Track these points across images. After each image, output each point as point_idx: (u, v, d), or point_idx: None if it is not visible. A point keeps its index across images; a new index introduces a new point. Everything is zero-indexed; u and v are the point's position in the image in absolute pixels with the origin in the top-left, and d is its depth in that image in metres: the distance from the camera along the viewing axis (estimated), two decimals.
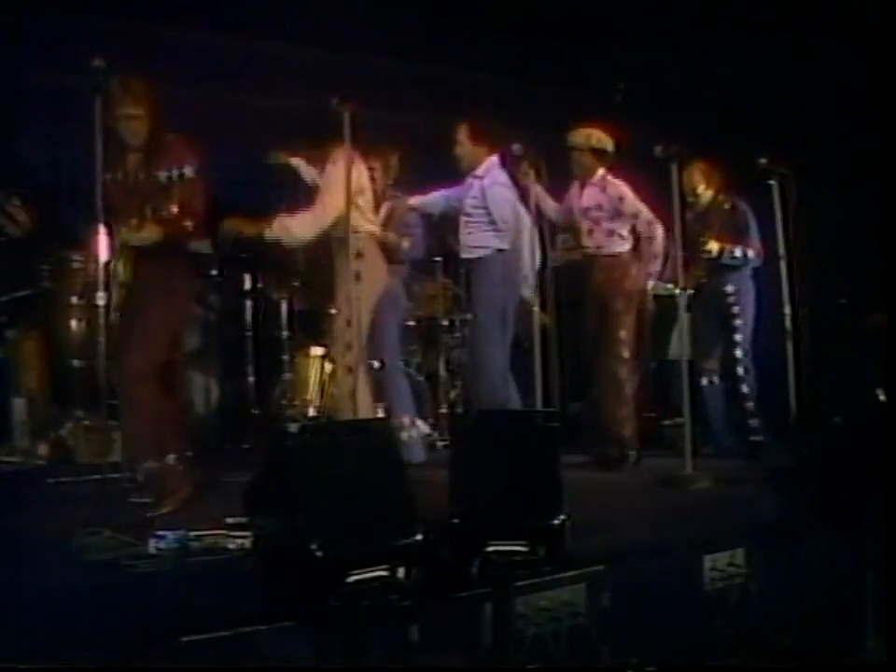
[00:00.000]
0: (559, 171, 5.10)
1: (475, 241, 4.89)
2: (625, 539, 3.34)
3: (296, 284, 6.09)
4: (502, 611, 2.66)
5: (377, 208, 4.93)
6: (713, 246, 5.21)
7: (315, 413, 5.57)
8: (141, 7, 5.67)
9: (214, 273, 5.98)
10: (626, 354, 5.04)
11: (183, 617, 2.36)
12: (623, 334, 5.01)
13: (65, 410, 5.18)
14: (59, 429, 5.10)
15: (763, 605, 3.28)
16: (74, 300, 5.28)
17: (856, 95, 6.09)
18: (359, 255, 4.38)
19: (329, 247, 4.74)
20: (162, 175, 3.54)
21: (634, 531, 3.47)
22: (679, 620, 3.10)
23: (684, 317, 4.67)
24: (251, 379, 6.11)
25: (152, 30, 5.79)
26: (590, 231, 5.10)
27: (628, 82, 7.12)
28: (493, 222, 4.84)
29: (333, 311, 4.80)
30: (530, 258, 4.84)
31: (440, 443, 5.57)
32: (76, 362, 5.24)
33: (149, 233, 3.61)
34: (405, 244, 5.14)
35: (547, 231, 5.21)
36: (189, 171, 3.53)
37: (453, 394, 6.11)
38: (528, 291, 4.91)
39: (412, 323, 5.91)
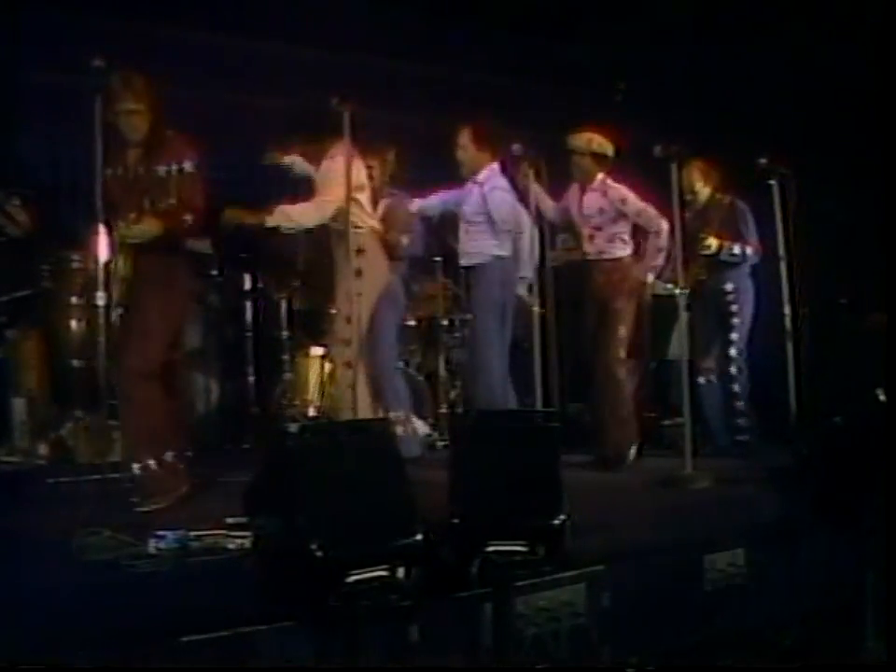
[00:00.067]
0: (559, 171, 5.10)
1: (475, 248, 4.94)
2: (625, 539, 3.34)
3: (296, 284, 6.09)
4: (502, 611, 2.66)
5: (375, 205, 4.95)
6: (712, 242, 5.22)
7: (314, 413, 5.58)
8: (141, 6, 5.67)
9: (214, 272, 5.98)
10: (626, 354, 5.05)
11: (183, 617, 2.36)
12: (622, 334, 5.02)
13: (65, 410, 5.18)
14: (59, 429, 5.09)
15: (762, 605, 3.28)
16: (74, 300, 5.27)
17: (856, 95, 6.09)
18: (361, 251, 4.40)
19: (328, 245, 4.75)
20: (161, 169, 3.55)
21: (634, 531, 3.47)
22: (678, 620, 3.10)
23: (684, 317, 4.67)
24: (251, 379, 6.11)
25: (152, 30, 5.79)
26: (591, 237, 5.09)
27: (628, 82, 7.11)
28: (493, 228, 4.87)
29: (333, 311, 4.82)
30: (529, 260, 4.85)
31: (440, 443, 5.57)
32: (76, 362, 5.23)
33: (148, 226, 3.61)
34: (405, 240, 5.16)
35: (547, 231, 5.23)
36: (188, 165, 3.53)
37: (453, 394, 6.11)
38: (527, 292, 4.93)
39: (412, 323, 5.91)
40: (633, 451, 5.03)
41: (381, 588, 2.41)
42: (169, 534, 3.06)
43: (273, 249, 5.83)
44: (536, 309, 4.66)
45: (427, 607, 2.50)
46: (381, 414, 4.57)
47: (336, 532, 2.39)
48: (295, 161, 4.93)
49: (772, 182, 4.75)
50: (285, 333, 6.08)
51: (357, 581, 2.37)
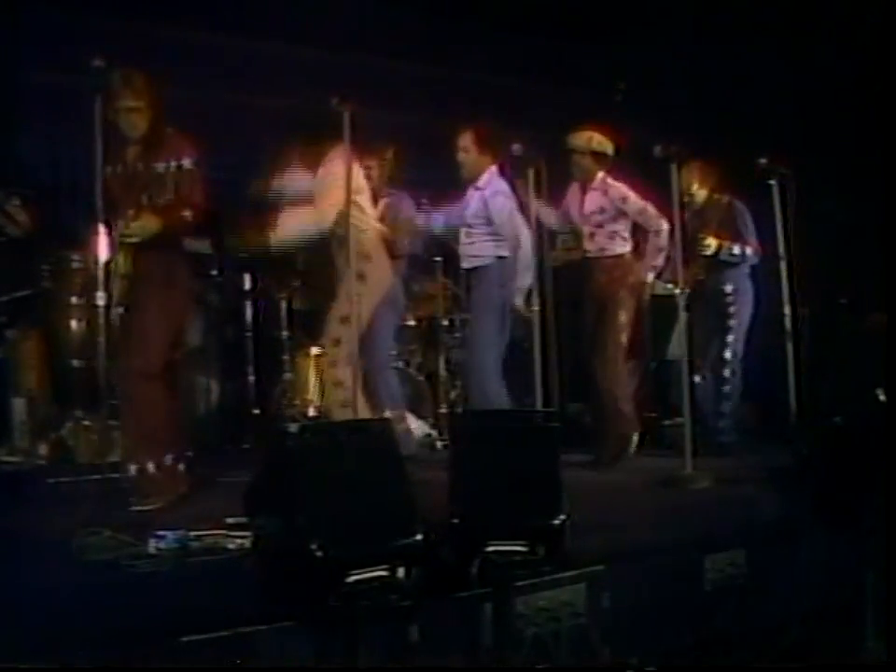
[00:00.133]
0: (559, 171, 5.10)
1: (476, 250, 4.96)
2: (625, 539, 3.34)
3: (296, 284, 6.09)
4: (502, 611, 2.66)
5: (374, 205, 4.95)
6: (711, 242, 5.22)
7: (315, 413, 5.58)
8: (141, 6, 5.67)
9: (214, 272, 5.98)
10: (626, 353, 5.05)
11: (183, 617, 2.36)
12: (622, 334, 5.02)
13: (65, 410, 5.18)
14: (59, 429, 5.09)
15: (763, 605, 3.28)
16: (74, 300, 5.28)
17: (856, 95, 6.09)
18: (367, 256, 4.41)
19: (329, 246, 4.74)
20: (160, 165, 3.55)
21: (634, 531, 3.47)
22: (678, 620, 3.10)
23: (683, 317, 4.67)
24: (251, 379, 6.11)
25: (152, 30, 5.79)
26: (592, 235, 5.10)
27: (628, 82, 7.11)
28: (494, 231, 4.88)
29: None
30: (527, 270, 4.85)
31: (439, 443, 5.57)
32: (76, 362, 5.23)
33: (146, 223, 3.61)
34: (405, 239, 5.16)
35: (546, 235, 5.23)
36: (187, 162, 3.54)
37: (453, 394, 6.11)
38: (524, 303, 4.93)
39: (412, 323, 5.91)
40: (632, 449, 5.03)
41: (381, 588, 2.40)
42: (169, 534, 3.06)
43: (273, 249, 5.83)
44: (533, 318, 4.63)
45: (427, 607, 2.50)
46: (374, 413, 4.57)
47: (336, 532, 2.39)
48: (284, 183, 4.87)
49: (772, 182, 4.75)
50: (285, 333, 6.08)
51: (357, 581, 2.37)
